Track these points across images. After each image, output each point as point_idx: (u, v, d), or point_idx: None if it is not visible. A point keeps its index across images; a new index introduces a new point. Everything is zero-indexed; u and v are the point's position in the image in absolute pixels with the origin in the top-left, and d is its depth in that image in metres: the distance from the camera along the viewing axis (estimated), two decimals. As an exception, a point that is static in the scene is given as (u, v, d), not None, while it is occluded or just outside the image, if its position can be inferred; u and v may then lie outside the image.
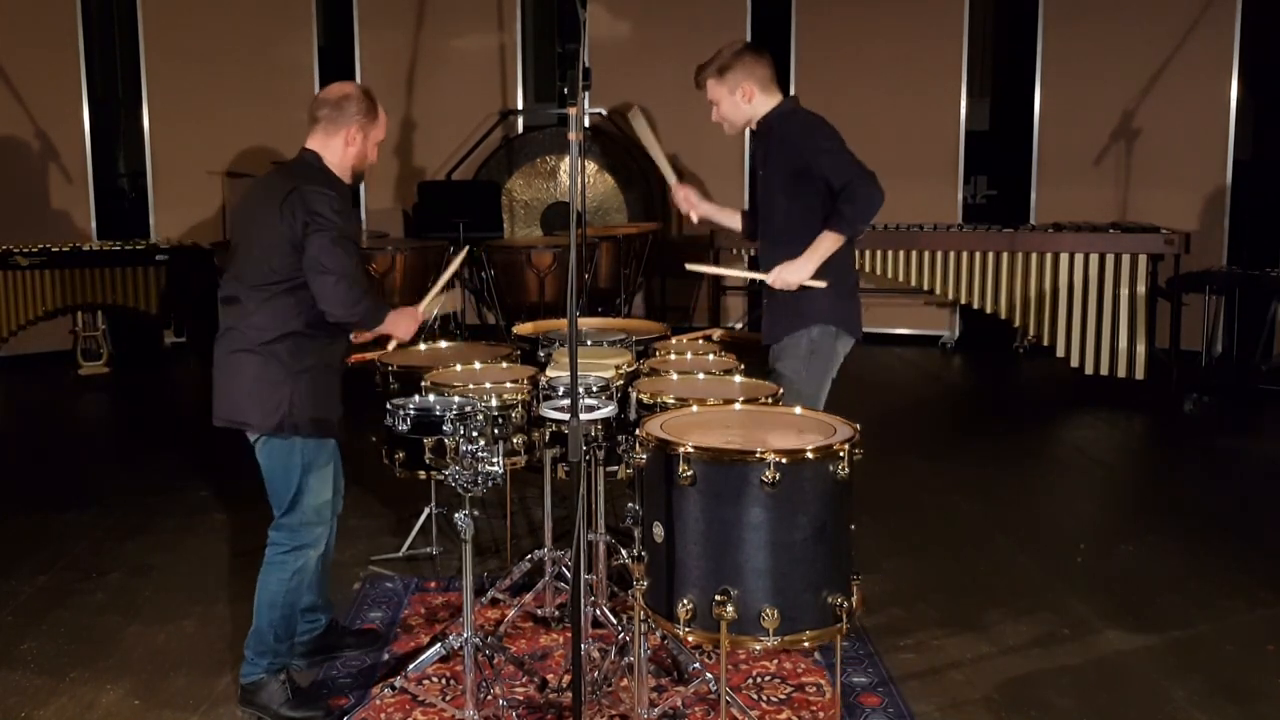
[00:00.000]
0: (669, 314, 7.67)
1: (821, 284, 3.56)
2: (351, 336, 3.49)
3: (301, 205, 3.15)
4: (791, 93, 8.77)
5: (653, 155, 4.01)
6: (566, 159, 8.88)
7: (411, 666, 3.29)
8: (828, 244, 3.54)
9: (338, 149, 3.34)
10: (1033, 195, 8.70)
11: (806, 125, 3.62)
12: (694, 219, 4.08)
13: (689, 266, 4.09)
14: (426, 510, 4.55)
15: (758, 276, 3.72)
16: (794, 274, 3.57)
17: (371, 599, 4.13)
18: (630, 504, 2.96)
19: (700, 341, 4.27)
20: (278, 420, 3.20)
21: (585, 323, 4.53)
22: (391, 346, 3.77)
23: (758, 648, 3.37)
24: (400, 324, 3.49)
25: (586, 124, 8.76)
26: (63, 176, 8.44)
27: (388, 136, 3.66)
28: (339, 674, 3.56)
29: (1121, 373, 7.11)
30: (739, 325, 8.52)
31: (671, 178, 4.06)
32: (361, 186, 9.11)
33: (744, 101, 3.70)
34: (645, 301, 8.53)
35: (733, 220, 4.13)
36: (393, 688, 3.25)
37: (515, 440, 3.67)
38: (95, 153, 8.63)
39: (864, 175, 3.47)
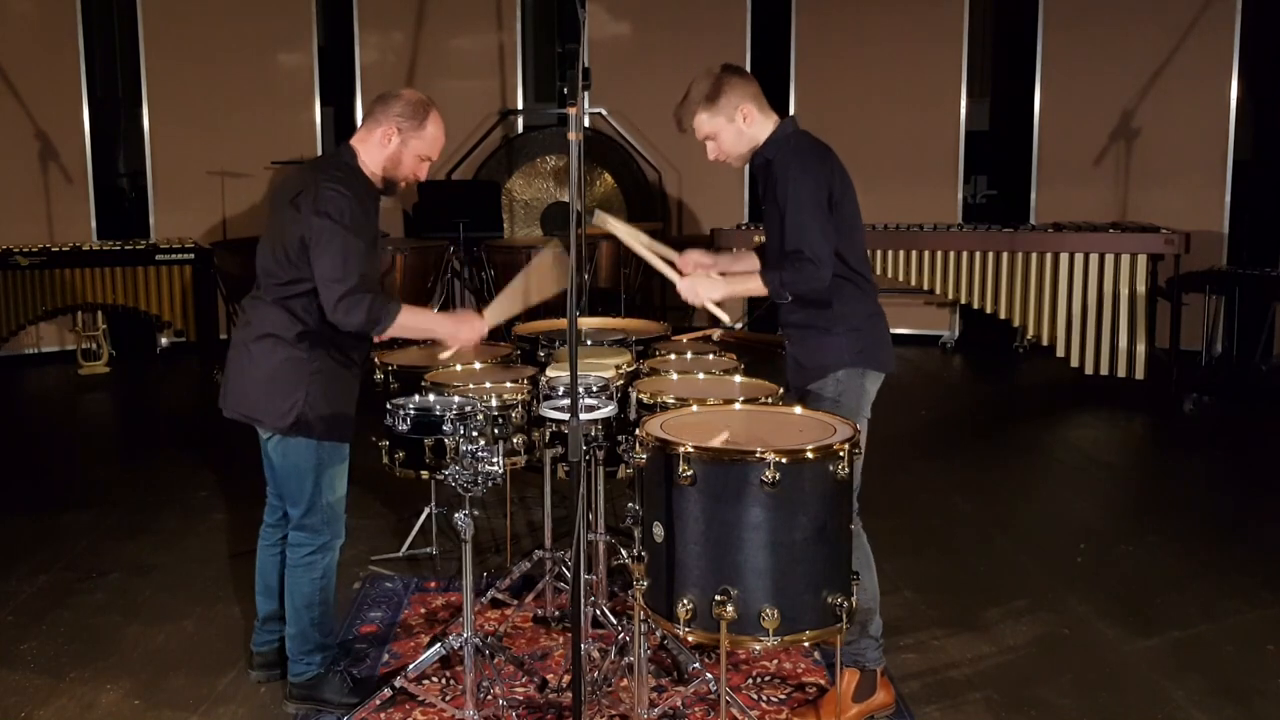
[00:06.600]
0: (669, 314, 7.66)
1: (724, 316, 3.24)
2: (374, 337, 3.35)
3: (310, 204, 3.08)
4: (791, 96, 8.62)
5: (640, 253, 3.41)
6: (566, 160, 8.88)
7: (411, 666, 3.29)
8: (752, 285, 3.15)
9: (373, 147, 3.22)
10: (1033, 195, 8.70)
11: (789, 165, 3.11)
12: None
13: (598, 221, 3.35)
14: (426, 510, 4.55)
15: (671, 276, 3.27)
16: (707, 291, 3.17)
17: (371, 599, 4.13)
18: (630, 504, 2.96)
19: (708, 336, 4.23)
20: (291, 421, 3.16)
21: (585, 322, 4.54)
22: (445, 355, 3.48)
23: (758, 648, 3.38)
24: (451, 330, 3.32)
25: (586, 124, 8.76)
26: (63, 176, 8.44)
27: None
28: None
29: (1121, 373, 7.12)
30: (739, 325, 8.53)
31: (672, 273, 3.36)
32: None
33: (746, 125, 3.20)
34: (645, 301, 8.52)
35: (750, 262, 3.45)
36: (393, 688, 3.24)
37: (515, 440, 3.67)
38: (95, 153, 8.63)
39: (812, 256, 3.02)
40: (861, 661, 3.25)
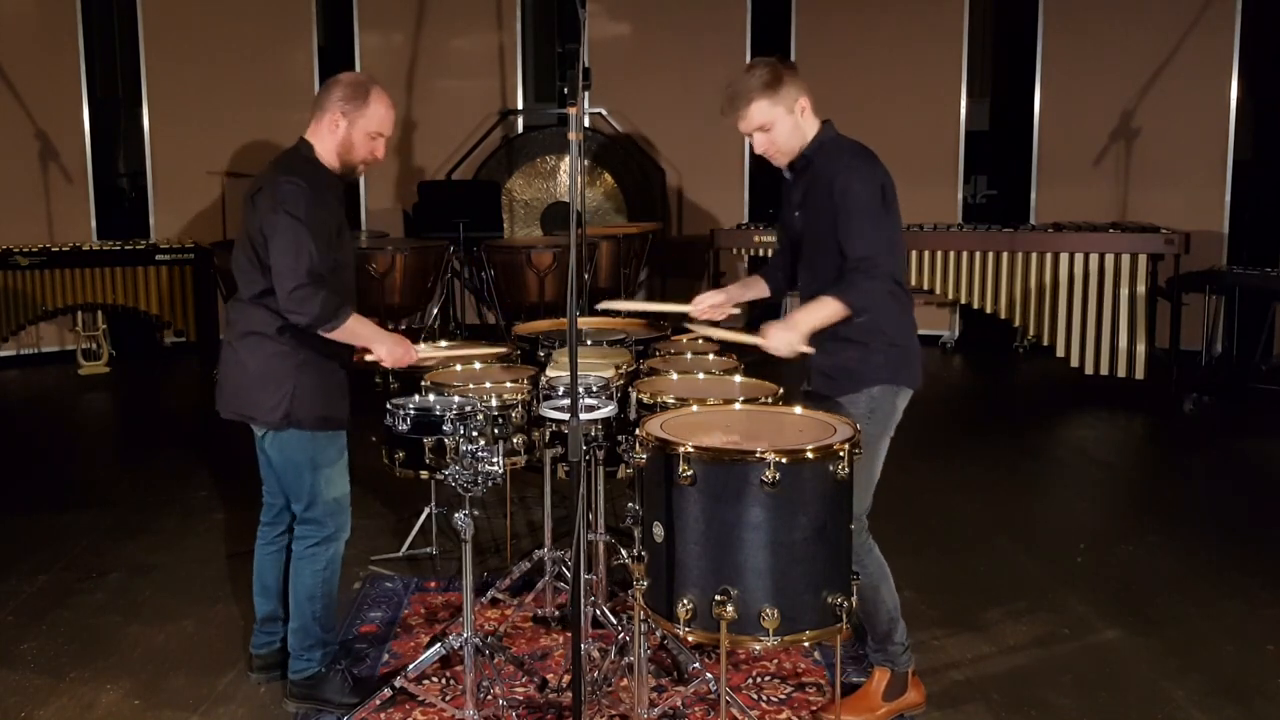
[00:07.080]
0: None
1: (810, 350, 3.06)
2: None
3: (268, 200, 3.11)
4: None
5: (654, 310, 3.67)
6: (566, 158, 8.88)
7: (411, 666, 3.30)
8: (830, 312, 3.02)
9: (325, 136, 3.26)
10: (1033, 195, 8.70)
11: (847, 170, 3.04)
12: (734, 310, 3.52)
13: (611, 305, 3.66)
14: (426, 510, 4.55)
15: (749, 339, 3.12)
16: (795, 341, 3.02)
17: (371, 599, 4.13)
18: (630, 504, 2.96)
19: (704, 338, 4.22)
20: (282, 414, 3.20)
21: (585, 322, 4.53)
22: (369, 358, 3.38)
23: (758, 648, 3.38)
24: (388, 348, 3.29)
25: (586, 123, 8.76)
26: (63, 176, 8.44)
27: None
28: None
29: (1121, 373, 7.12)
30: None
31: (687, 307, 3.48)
32: (361, 186, 9.11)
33: (803, 119, 3.10)
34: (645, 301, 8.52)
35: (759, 289, 3.49)
36: (393, 687, 3.24)
37: (515, 440, 3.67)
38: (95, 153, 8.63)
39: (883, 262, 3.00)
40: (892, 664, 3.28)
